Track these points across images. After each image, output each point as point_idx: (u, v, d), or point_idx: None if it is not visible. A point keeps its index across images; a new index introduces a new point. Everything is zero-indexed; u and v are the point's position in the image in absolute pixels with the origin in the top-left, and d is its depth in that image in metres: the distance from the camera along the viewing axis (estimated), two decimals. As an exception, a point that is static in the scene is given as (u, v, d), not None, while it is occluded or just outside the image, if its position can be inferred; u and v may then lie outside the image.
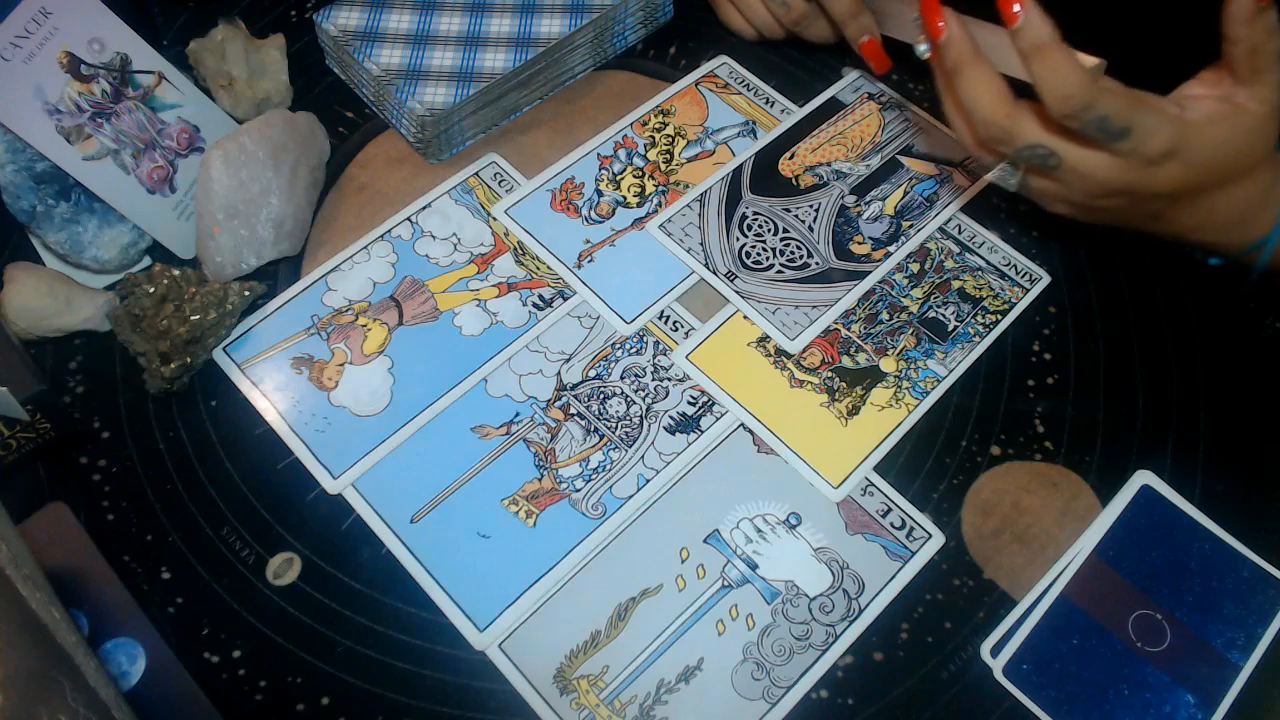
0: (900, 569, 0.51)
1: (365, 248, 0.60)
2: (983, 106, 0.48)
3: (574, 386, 0.55)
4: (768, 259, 0.60)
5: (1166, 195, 0.49)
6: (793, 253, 0.60)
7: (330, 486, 0.52)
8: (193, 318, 0.52)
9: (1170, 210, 0.51)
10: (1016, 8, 0.44)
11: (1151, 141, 0.46)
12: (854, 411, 0.55)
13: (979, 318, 0.59)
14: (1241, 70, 0.47)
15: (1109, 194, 0.49)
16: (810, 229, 0.61)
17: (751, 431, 0.54)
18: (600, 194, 0.62)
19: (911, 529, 0.52)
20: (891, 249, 0.61)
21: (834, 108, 0.67)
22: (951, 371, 0.57)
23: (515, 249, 0.60)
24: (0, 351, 0.49)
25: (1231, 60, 0.48)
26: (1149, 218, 0.52)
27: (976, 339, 0.58)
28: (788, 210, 0.62)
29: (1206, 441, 0.56)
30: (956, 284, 0.60)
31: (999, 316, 0.59)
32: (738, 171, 0.63)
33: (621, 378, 0.56)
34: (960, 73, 0.48)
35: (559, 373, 0.56)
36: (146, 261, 0.58)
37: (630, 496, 0.52)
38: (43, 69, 0.53)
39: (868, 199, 0.63)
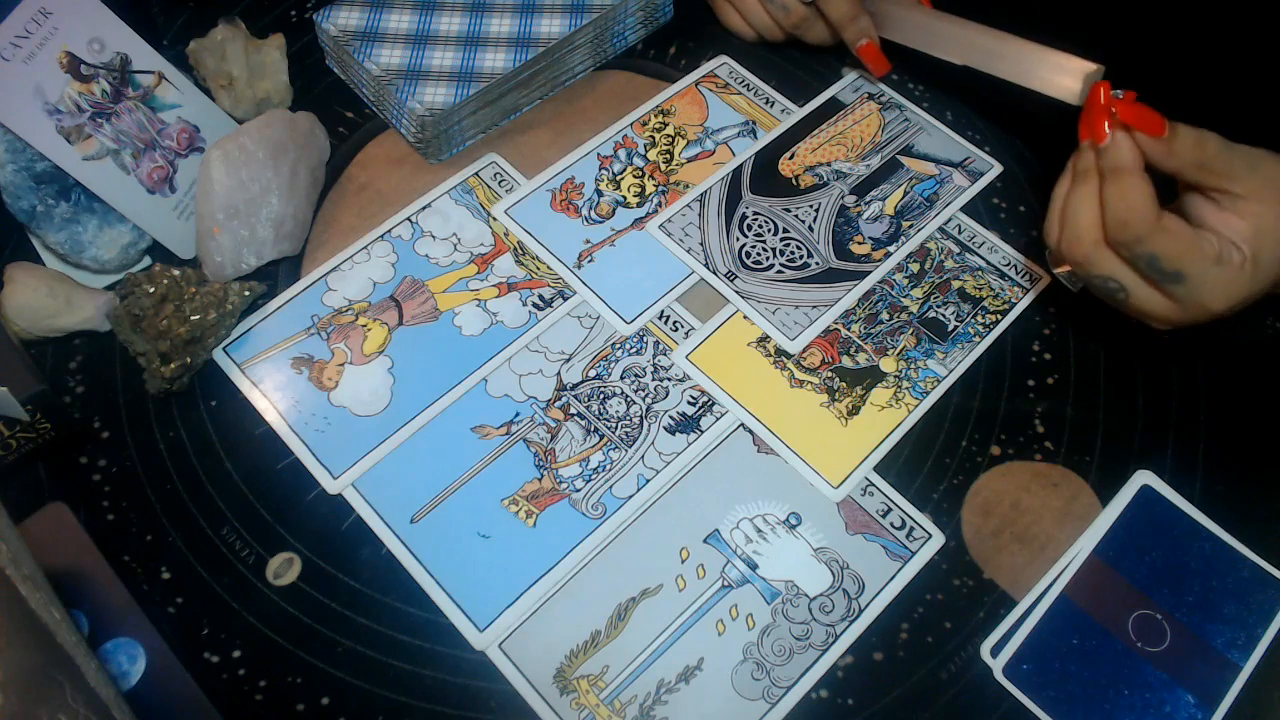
0: (900, 569, 0.51)
1: (365, 248, 0.60)
2: (1077, 223, 0.48)
3: (574, 386, 0.55)
4: (768, 259, 0.60)
5: (1230, 317, 0.49)
6: (793, 253, 0.60)
7: (330, 486, 0.52)
8: (193, 318, 0.52)
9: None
10: (1108, 127, 0.47)
11: (1213, 299, 0.46)
12: (854, 411, 0.55)
13: (979, 318, 0.59)
14: (1209, 186, 0.47)
15: (1172, 326, 0.50)
16: (810, 229, 0.61)
17: (751, 431, 0.54)
18: (600, 194, 0.62)
19: (911, 529, 0.52)
20: (891, 249, 0.61)
21: (834, 108, 0.67)
22: (951, 371, 0.57)
23: (515, 249, 0.60)
24: (0, 351, 0.49)
25: (1191, 186, 0.48)
26: None
27: (976, 339, 0.58)
28: (788, 210, 0.62)
29: (1206, 441, 0.56)
30: (956, 284, 0.60)
31: (999, 316, 0.59)
32: (738, 171, 0.63)
33: (621, 378, 0.56)
34: (1083, 182, 0.48)
35: (559, 373, 0.56)
36: (146, 261, 0.58)
37: (630, 496, 0.52)
38: (43, 69, 0.53)
39: (868, 199, 0.63)
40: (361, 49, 0.62)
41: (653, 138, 0.65)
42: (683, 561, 0.51)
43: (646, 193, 0.63)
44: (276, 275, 0.59)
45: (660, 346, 0.57)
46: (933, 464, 0.54)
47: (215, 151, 0.54)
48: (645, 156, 0.64)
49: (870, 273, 0.60)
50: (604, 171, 0.63)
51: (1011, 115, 0.65)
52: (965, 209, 0.63)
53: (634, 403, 0.55)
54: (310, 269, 0.59)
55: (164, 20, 0.68)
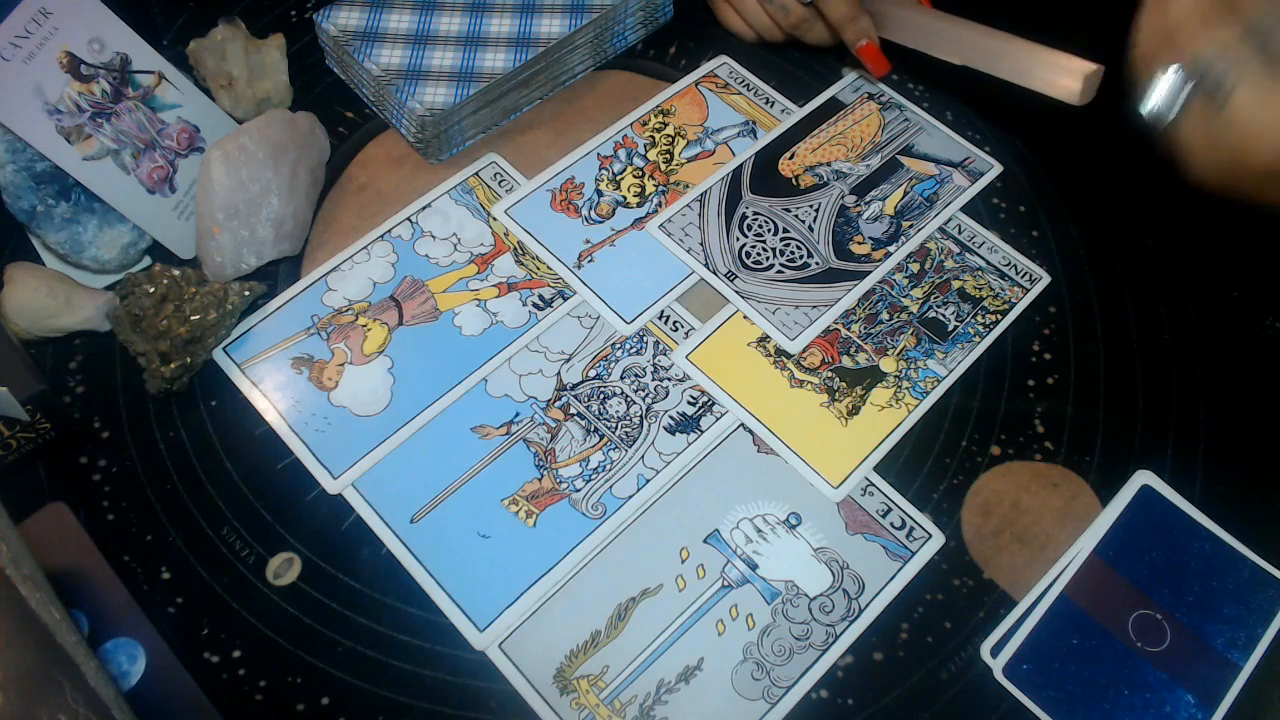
0: (900, 569, 0.51)
1: (365, 248, 0.60)
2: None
3: (574, 386, 0.55)
4: (768, 259, 0.60)
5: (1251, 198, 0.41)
6: (793, 253, 0.60)
7: (330, 486, 0.52)
8: (193, 318, 0.52)
9: None
10: None
11: (1250, 132, 0.38)
12: (854, 411, 0.55)
13: (979, 318, 0.59)
14: None
15: (1205, 177, 0.40)
16: (810, 229, 0.61)
17: (751, 431, 0.54)
18: (600, 194, 0.62)
19: (911, 529, 0.52)
20: (891, 249, 0.61)
21: (834, 108, 0.67)
22: (951, 371, 0.57)
23: (515, 249, 0.60)
24: (0, 351, 0.49)
25: None
26: None
27: (976, 339, 0.58)
28: (788, 210, 0.62)
29: (1206, 441, 0.56)
30: (956, 284, 0.60)
31: (999, 316, 0.59)
32: (738, 171, 0.63)
33: (621, 378, 0.56)
34: None
35: (559, 373, 0.56)
36: (146, 261, 0.58)
37: (630, 496, 0.52)
38: (43, 69, 0.53)
39: (868, 199, 0.63)
40: (361, 49, 0.62)
41: (653, 138, 0.65)
42: (683, 561, 0.51)
43: (646, 193, 0.63)
44: (276, 275, 0.59)
45: (660, 346, 0.57)
46: (933, 464, 0.54)
47: (215, 151, 0.54)
48: (645, 156, 0.64)
49: (870, 273, 0.60)
50: (604, 171, 0.63)
51: (1011, 115, 0.65)
52: (965, 209, 0.63)
53: (634, 403, 0.55)
54: (310, 269, 0.59)
55: (164, 20, 0.68)
